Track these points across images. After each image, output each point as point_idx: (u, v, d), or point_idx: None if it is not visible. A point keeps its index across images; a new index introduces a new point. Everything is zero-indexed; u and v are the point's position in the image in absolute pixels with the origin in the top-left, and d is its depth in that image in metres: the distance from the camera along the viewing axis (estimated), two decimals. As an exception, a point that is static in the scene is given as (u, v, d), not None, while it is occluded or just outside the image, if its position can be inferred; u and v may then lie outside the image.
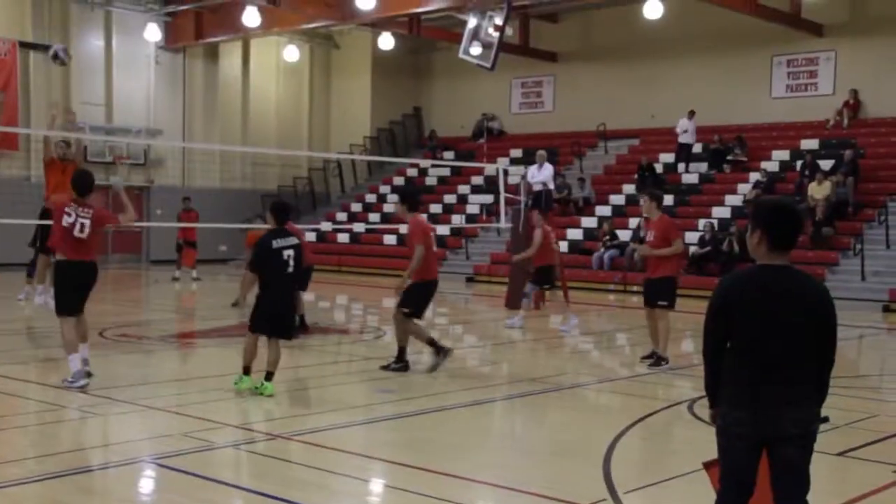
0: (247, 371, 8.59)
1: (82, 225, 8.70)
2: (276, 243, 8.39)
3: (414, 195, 10.70)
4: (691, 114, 24.86)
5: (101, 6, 26.37)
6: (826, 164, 22.15)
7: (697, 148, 25.40)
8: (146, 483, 6.07)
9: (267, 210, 9.00)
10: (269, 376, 8.47)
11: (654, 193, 11.02)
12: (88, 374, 8.81)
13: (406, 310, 9.80)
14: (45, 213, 12.12)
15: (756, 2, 22.72)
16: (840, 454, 6.79)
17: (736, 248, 20.13)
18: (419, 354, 10.48)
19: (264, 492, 5.73)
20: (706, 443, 4.93)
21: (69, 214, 8.73)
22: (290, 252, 8.42)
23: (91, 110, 26.40)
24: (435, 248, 10.20)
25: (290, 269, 8.43)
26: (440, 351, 9.95)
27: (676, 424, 8.11)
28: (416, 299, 9.84)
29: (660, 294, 10.51)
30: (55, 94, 25.97)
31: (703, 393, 4.16)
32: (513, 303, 17.02)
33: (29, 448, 6.93)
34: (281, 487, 6.00)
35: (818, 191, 21.03)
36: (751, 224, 3.97)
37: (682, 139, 25.06)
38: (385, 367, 9.93)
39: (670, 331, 10.67)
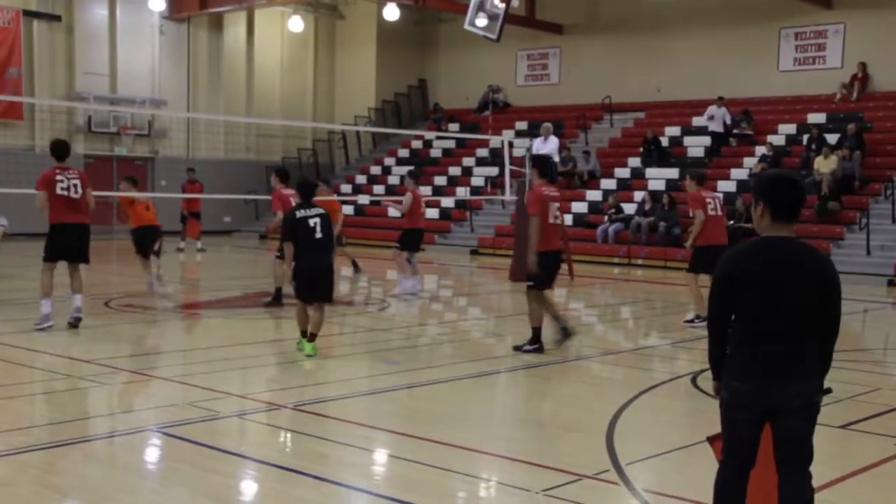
0: (304, 334, 9.19)
1: (75, 186, 9.83)
2: (299, 213, 9.04)
3: (544, 162, 10.43)
4: (720, 100, 24.16)
5: (105, -25, 26.23)
6: (833, 139, 22.05)
7: (700, 121, 25.24)
8: (152, 451, 6.12)
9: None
10: (312, 337, 9.06)
11: (692, 172, 12.17)
12: (75, 323, 10.12)
13: (530, 283, 9.64)
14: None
15: (764, -27, 22.51)
16: (843, 427, 6.81)
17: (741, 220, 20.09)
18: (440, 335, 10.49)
19: (269, 461, 5.77)
20: (709, 415, 4.96)
21: (61, 181, 9.71)
22: (316, 220, 9.00)
23: (95, 80, 26.36)
24: (555, 219, 9.72)
25: (319, 235, 8.96)
26: (565, 330, 9.81)
27: (679, 397, 8.14)
28: (538, 271, 9.54)
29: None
30: (59, 64, 25.92)
31: (706, 366, 4.18)
32: (516, 274, 17.03)
33: (36, 416, 6.98)
34: (285, 457, 6.05)
35: (824, 165, 20.95)
36: (754, 197, 3.99)
37: (712, 126, 24.09)
38: (517, 348, 9.71)
39: (698, 293, 11.26)
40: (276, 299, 12.64)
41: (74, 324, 10.22)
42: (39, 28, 25.34)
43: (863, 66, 24.00)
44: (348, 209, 27.29)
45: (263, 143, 30.57)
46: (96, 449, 6.16)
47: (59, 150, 10.06)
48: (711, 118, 24.14)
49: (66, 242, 10.09)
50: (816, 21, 24.89)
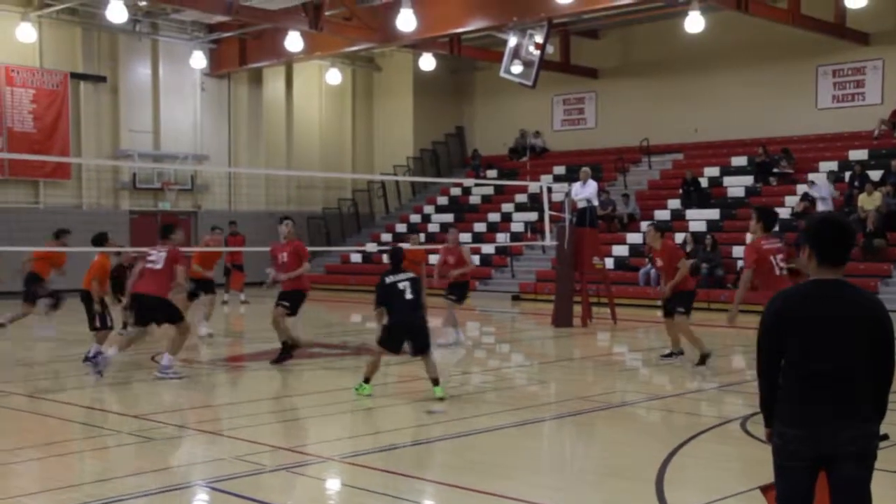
0: (367, 380, 9.77)
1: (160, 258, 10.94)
2: (388, 279, 9.68)
3: (769, 214, 10.52)
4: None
5: (149, 36, 26.92)
6: (875, 175, 21.78)
7: (739, 160, 25.09)
8: (200, 507, 6.13)
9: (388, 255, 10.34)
10: (435, 382, 9.57)
11: (657, 225, 13.05)
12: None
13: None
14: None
15: (799, 12, 22.47)
16: (899, 471, 6.64)
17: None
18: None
19: (317, 515, 5.76)
20: (761, 461, 4.86)
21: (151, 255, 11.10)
22: (406, 283, 9.63)
23: (139, 137, 26.94)
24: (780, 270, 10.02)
25: (409, 296, 9.57)
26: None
27: (729, 442, 8.00)
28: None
29: (678, 303, 12.11)
30: (105, 123, 26.56)
31: (755, 409, 4.12)
32: (560, 320, 16.95)
33: (85, 473, 7.04)
34: (333, 510, 6.03)
35: (868, 202, 20.67)
36: (801, 240, 3.94)
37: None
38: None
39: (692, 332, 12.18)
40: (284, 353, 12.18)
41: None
42: (86, 89, 26.01)
43: (903, 101, 23.76)
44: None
45: (304, 195, 30.92)
46: (145, 505, 6.19)
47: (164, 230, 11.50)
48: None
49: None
50: (854, 58, 24.74)
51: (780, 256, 9.72)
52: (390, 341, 9.66)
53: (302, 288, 12.24)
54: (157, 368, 10.97)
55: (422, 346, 9.63)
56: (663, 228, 13.01)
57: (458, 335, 14.26)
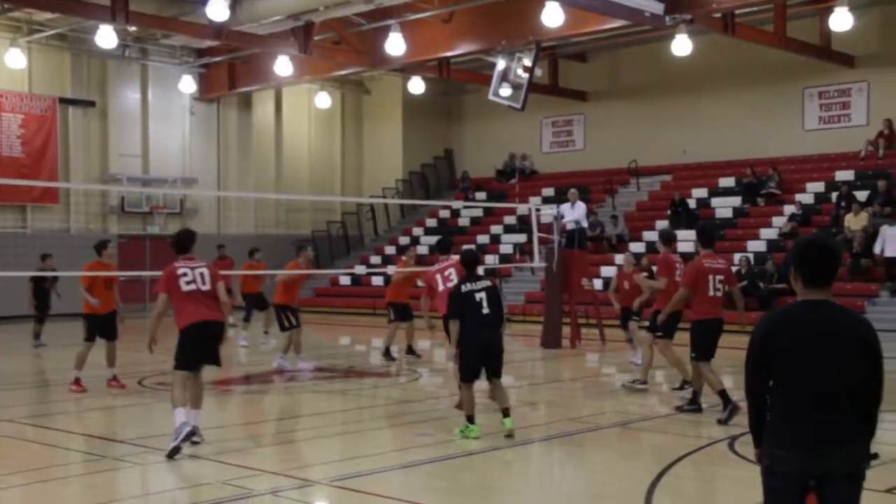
0: (470, 420, 8.59)
1: (202, 276, 8.25)
2: (465, 287, 8.54)
3: (706, 233, 10.28)
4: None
5: (138, 60, 26.96)
6: (862, 195, 21.91)
7: (727, 181, 25.22)
8: (186, 532, 6.07)
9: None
10: (506, 413, 8.55)
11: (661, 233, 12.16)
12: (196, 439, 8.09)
13: (693, 353, 9.71)
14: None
15: (785, 35, 22.68)
16: (887, 491, 6.63)
17: (773, 282, 19.90)
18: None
19: (303, 539, 5.71)
20: (749, 481, 4.86)
21: (185, 274, 8.20)
22: (482, 294, 8.47)
23: (128, 161, 26.92)
24: (710, 290, 9.56)
25: (486, 310, 8.43)
26: (728, 404, 9.33)
27: (718, 463, 7.98)
28: (698, 340, 9.61)
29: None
30: (93, 147, 26.54)
31: (744, 429, 4.11)
32: (549, 342, 16.93)
33: (71, 498, 6.97)
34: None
35: (855, 222, 20.78)
36: (789, 262, 3.96)
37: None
38: (679, 409, 10.03)
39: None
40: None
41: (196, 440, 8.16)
42: (75, 114, 26.00)
43: (889, 122, 23.94)
44: (378, 280, 27.40)
45: (293, 218, 30.90)
46: (130, 530, 6.13)
47: (184, 242, 8.58)
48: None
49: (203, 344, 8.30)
50: (840, 80, 24.94)
51: (719, 278, 9.60)
52: (467, 366, 8.49)
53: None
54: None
55: (496, 370, 8.62)
56: (666, 237, 11.85)
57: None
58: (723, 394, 9.48)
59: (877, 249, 19.83)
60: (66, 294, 16.55)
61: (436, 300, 10.52)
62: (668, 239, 11.51)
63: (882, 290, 19.70)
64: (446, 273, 10.60)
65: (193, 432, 7.94)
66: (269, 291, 17.49)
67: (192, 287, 8.16)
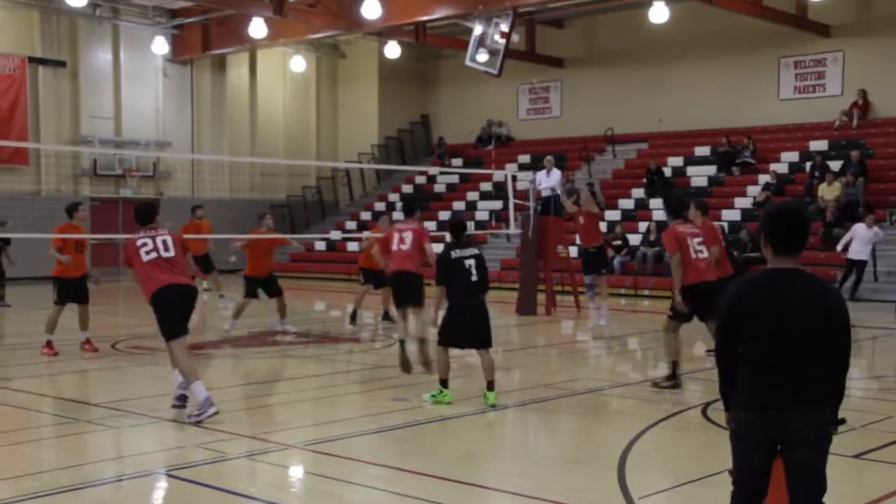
0: (444, 384, 8.63)
1: (164, 243, 8.16)
2: (454, 254, 8.49)
3: (676, 202, 10.19)
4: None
5: (109, 20, 26.53)
6: (836, 165, 22.08)
7: (702, 150, 25.28)
8: (159, 495, 6.08)
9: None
10: (490, 385, 8.52)
11: (698, 202, 11.22)
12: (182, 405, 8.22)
13: (669, 312, 9.59)
14: None
15: (762, 4, 22.69)
16: (856, 456, 6.75)
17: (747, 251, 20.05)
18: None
19: (278, 502, 5.73)
20: (721, 447, 4.91)
21: (145, 244, 8.11)
22: (472, 262, 8.46)
23: (100, 124, 26.57)
24: (692, 253, 9.53)
25: (475, 278, 8.43)
26: (672, 378, 9.41)
27: (690, 429, 8.08)
28: (680, 305, 9.46)
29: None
30: (64, 108, 26.14)
31: (716, 396, 4.16)
32: (524, 308, 17.00)
33: (43, 461, 6.94)
34: (295, 498, 6.01)
35: (828, 192, 20.96)
36: (759, 229, 4.01)
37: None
38: (655, 385, 9.56)
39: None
40: None
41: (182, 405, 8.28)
42: (45, 74, 25.59)
43: (863, 93, 24.09)
44: (353, 246, 27.31)
45: (268, 182, 30.70)
46: (104, 494, 6.12)
47: (146, 213, 8.48)
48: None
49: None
50: (815, 50, 25.03)
51: (696, 240, 9.69)
52: (452, 332, 8.45)
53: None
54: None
55: (485, 341, 8.54)
56: (700, 205, 11.12)
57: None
58: (674, 365, 9.48)
59: (839, 247, 18.62)
60: (34, 257, 16.30)
61: (384, 254, 10.54)
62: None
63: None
64: (403, 235, 10.40)
65: (186, 397, 8.13)
66: (218, 251, 17.38)
67: (154, 255, 8.12)
